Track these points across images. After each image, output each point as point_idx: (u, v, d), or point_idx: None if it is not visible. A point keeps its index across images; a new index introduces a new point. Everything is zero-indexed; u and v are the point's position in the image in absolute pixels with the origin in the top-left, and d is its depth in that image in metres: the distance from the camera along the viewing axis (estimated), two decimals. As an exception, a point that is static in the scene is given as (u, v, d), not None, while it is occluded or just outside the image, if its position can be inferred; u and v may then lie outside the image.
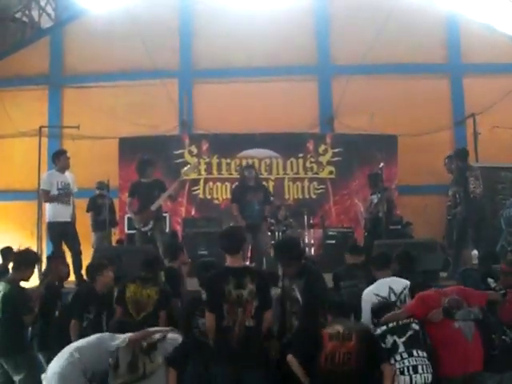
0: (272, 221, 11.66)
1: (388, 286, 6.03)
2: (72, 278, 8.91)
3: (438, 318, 5.32)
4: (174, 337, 5.63)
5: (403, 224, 12.25)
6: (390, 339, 5.21)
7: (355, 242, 7.87)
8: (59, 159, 9.53)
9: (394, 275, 6.29)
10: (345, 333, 5.09)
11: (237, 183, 11.23)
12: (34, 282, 8.28)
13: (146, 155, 11.80)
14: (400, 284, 6.04)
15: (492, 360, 5.41)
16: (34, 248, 12.44)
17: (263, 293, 5.39)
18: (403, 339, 5.18)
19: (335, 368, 5.01)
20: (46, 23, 17.05)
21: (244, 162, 14.16)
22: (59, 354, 5.44)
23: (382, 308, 5.65)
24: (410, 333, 5.22)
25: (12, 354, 6.29)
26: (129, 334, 5.44)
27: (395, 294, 5.97)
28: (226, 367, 5.27)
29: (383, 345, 5.21)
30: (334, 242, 11.73)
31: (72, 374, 5.23)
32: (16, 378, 6.29)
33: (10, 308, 6.30)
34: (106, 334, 5.57)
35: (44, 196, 9.42)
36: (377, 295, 5.96)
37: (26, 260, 6.53)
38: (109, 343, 5.39)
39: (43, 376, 5.48)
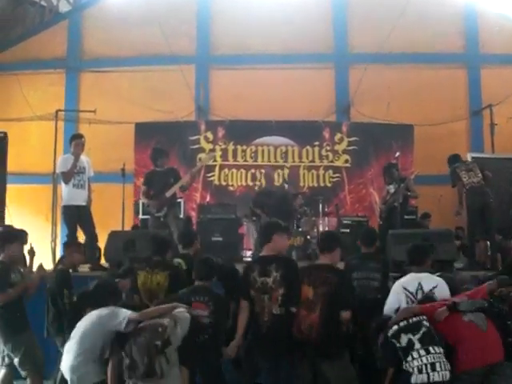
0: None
1: (418, 281, 5.79)
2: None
3: (444, 315, 5.29)
4: (182, 316, 5.38)
5: (422, 215, 12.23)
6: (404, 338, 5.18)
7: (368, 231, 7.61)
8: (71, 144, 9.52)
9: (429, 272, 6.05)
10: None
11: None
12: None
13: (158, 144, 11.82)
14: (431, 282, 5.79)
15: (509, 348, 5.33)
16: (49, 231, 12.76)
17: (289, 281, 5.53)
18: (418, 336, 5.15)
19: None
20: (64, 7, 17.02)
21: (260, 149, 14.25)
22: (66, 350, 5.41)
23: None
24: (423, 329, 5.19)
25: (9, 337, 6.31)
26: (128, 312, 5.33)
27: (423, 291, 5.73)
28: (260, 356, 5.56)
29: (398, 344, 5.18)
30: (348, 230, 11.71)
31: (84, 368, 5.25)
32: (15, 360, 6.31)
33: None
34: (104, 313, 5.36)
35: (63, 178, 9.39)
36: (405, 289, 5.78)
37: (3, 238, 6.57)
38: (110, 323, 5.29)
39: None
